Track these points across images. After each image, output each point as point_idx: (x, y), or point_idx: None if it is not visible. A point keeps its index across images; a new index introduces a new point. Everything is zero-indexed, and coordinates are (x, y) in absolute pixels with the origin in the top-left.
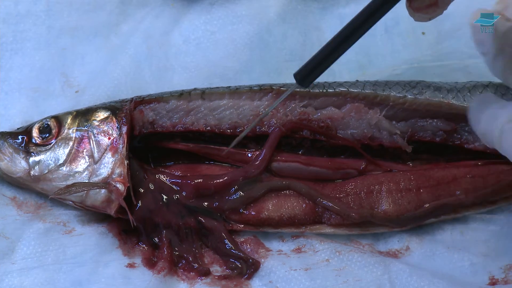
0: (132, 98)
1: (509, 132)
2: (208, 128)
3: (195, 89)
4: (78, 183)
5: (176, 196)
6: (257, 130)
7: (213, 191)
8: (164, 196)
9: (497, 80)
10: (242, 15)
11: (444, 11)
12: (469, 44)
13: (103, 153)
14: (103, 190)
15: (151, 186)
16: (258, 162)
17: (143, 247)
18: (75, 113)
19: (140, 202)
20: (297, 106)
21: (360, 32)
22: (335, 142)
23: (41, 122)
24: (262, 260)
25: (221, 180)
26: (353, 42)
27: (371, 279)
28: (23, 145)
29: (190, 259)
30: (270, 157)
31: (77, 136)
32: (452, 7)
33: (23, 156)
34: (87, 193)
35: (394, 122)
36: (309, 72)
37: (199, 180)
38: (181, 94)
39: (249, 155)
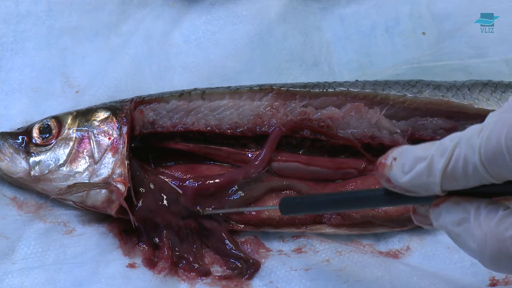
0: (133, 98)
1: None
2: (209, 128)
3: (195, 89)
4: (79, 183)
5: (176, 197)
6: (257, 130)
7: (213, 191)
8: (164, 196)
9: (496, 79)
10: (242, 15)
11: (445, 11)
12: (469, 44)
13: (104, 153)
14: (103, 190)
15: (152, 186)
16: (258, 162)
17: (144, 247)
18: (75, 113)
19: (140, 202)
20: (297, 106)
21: (354, 207)
22: (336, 141)
23: (41, 122)
24: (263, 260)
25: (221, 180)
26: (344, 209)
27: (372, 279)
28: (23, 145)
29: (191, 259)
30: (270, 157)
31: (78, 136)
32: (452, 7)
33: (23, 156)
34: (87, 193)
35: (394, 121)
36: (294, 206)
37: (199, 181)
38: (182, 94)
39: (249, 155)
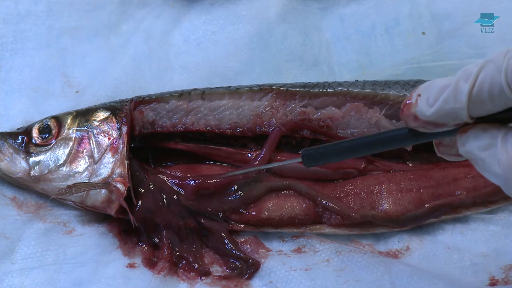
0: (132, 98)
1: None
2: (208, 128)
3: (195, 89)
4: (79, 183)
5: (176, 197)
6: (257, 130)
7: (213, 190)
8: (164, 196)
9: None
10: (242, 15)
11: (444, 11)
12: (469, 44)
13: (103, 153)
14: (103, 190)
15: (151, 186)
16: (258, 162)
17: (143, 247)
18: (75, 113)
19: (140, 202)
20: (297, 106)
21: (378, 149)
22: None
23: (41, 123)
24: (262, 260)
25: (221, 179)
26: (369, 152)
27: (372, 279)
28: (23, 145)
29: (190, 259)
30: (270, 157)
31: (77, 136)
32: (452, 7)
33: (23, 156)
34: (87, 193)
35: (394, 121)
36: (317, 157)
37: (199, 180)
38: (181, 94)
39: (249, 155)
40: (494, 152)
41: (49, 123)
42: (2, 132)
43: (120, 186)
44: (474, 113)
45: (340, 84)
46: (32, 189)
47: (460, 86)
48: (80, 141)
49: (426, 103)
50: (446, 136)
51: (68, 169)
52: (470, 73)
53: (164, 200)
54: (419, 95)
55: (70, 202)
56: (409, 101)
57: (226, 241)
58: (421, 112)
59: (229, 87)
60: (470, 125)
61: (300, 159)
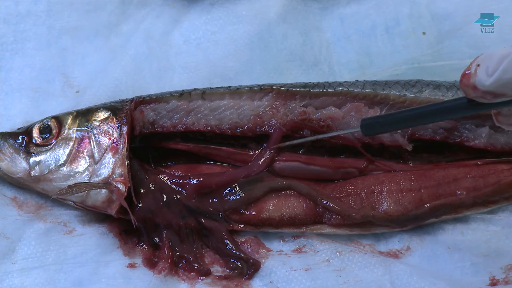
0: (133, 98)
1: None
2: (209, 128)
3: (195, 89)
4: (79, 183)
5: (176, 196)
6: (257, 130)
7: (214, 189)
8: (164, 196)
9: None
10: (242, 15)
11: (444, 11)
12: (470, 44)
13: (104, 153)
14: (103, 190)
15: (152, 186)
16: (260, 161)
17: (144, 247)
18: (75, 113)
19: (140, 202)
20: (298, 106)
21: (437, 118)
22: (336, 141)
23: (41, 123)
24: (263, 260)
25: (222, 178)
26: (427, 122)
27: (372, 279)
28: (23, 145)
29: (191, 259)
30: (273, 157)
31: (78, 136)
32: (452, 7)
33: (23, 156)
34: (87, 193)
35: None
36: (376, 126)
37: (200, 179)
38: (182, 94)
39: (251, 151)
40: None
41: (49, 123)
42: (3, 132)
43: (120, 186)
44: None
45: (341, 84)
46: (33, 189)
47: None
48: (80, 141)
49: (485, 73)
50: (505, 106)
51: (68, 169)
52: None
53: (165, 200)
54: (478, 65)
55: (71, 202)
56: (469, 71)
57: (227, 241)
58: (480, 82)
59: (230, 87)
60: None
61: (358, 129)
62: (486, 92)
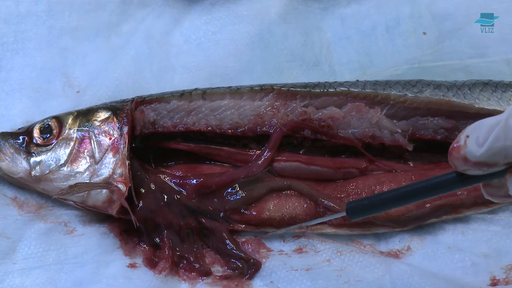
0: (133, 98)
1: None
2: (209, 128)
3: (196, 89)
4: (80, 183)
5: (177, 196)
6: (258, 130)
7: (214, 188)
8: (165, 196)
9: (497, 78)
10: (243, 15)
11: (445, 11)
12: (470, 44)
13: (104, 153)
14: (104, 191)
15: (152, 186)
16: (260, 161)
17: (144, 247)
18: (76, 113)
19: (141, 202)
20: (298, 106)
21: (425, 196)
22: (336, 141)
23: (42, 123)
24: (263, 260)
25: (222, 178)
26: (416, 201)
27: (372, 279)
28: (24, 145)
29: (191, 259)
30: (273, 157)
31: (78, 136)
32: (453, 7)
33: (24, 156)
34: (88, 193)
35: (395, 121)
36: (362, 209)
37: (200, 179)
38: (182, 94)
39: (252, 151)
40: None
41: (50, 123)
42: (3, 132)
43: (121, 186)
44: None
45: (341, 84)
46: (33, 189)
47: (510, 123)
48: (81, 141)
49: (475, 143)
50: (495, 177)
51: (69, 169)
52: None
53: (165, 200)
54: (468, 136)
55: (71, 202)
56: (457, 144)
57: (227, 241)
58: (471, 153)
59: (230, 87)
60: None
61: (344, 213)
62: (477, 163)
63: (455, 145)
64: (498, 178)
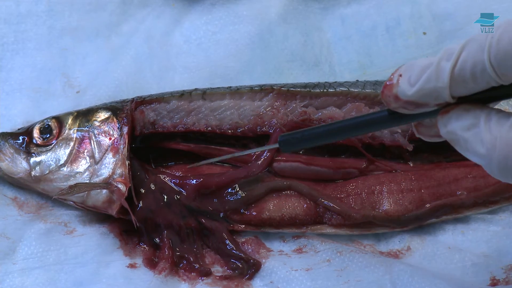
0: (133, 99)
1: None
2: (209, 128)
3: (196, 89)
4: (80, 183)
5: (177, 197)
6: (258, 130)
7: (214, 189)
8: (165, 196)
9: None
10: (243, 15)
11: (445, 11)
12: None
13: (104, 153)
14: (104, 191)
15: (152, 187)
16: (260, 161)
17: (144, 248)
18: (76, 113)
19: (141, 202)
20: (298, 106)
21: (357, 132)
22: (336, 141)
23: (42, 123)
24: (263, 260)
25: (222, 178)
26: (347, 136)
27: (372, 279)
28: (24, 145)
29: (191, 259)
30: (273, 157)
31: (78, 137)
32: (453, 7)
33: (24, 156)
34: (88, 193)
35: None
36: (294, 142)
37: (200, 179)
38: (182, 95)
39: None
40: (477, 132)
41: (50, 123)
42: (3, 133)
43: (121, 186)
44: (456, 93)
45: (341, 84)
46: (33, 189)
47: (442, 65)
48: (81, 141)
49: (407, 83)
50: (426, 117)
51: (69, 169)
52: (452, 52)
53: (165, 200)
54: (400, 75)
55: (71, 203)
56: (390, 82)
57: (227, 241)
58: (402, 92)
59: (230, 87)
60: (452, 106)
61: (277, 145)
62: (408, 102)
63: (387, 83)
64: (429, 119)
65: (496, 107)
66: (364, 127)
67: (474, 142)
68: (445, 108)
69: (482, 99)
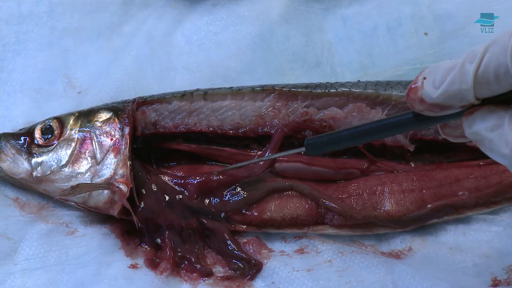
0: (135, 99)
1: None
2: (211, 128)
3: (197, 89)
4: (82, 184)
5: (178, 197)
6: (259, 130)
7: (216, 187)
8: (166, 196)
9: None
10: (244, 16)
11: (446, 12)
12: (472, 44)
13: (106, 154)
14: (106, 191)
15: (154, 187)
16: (262, 162)
17: (146, 248)
18: (77, 114)
19: (142, 203)
20: (299, 107)
21: (383, 135)
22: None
23: (43, 123)
24: (265, 261)
25: (224, 177)
26: (373, 139)
27: (374, 280)
28: (25, 146)
29: (193, 260)
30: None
31: (80, 137)
32: (454, 8)
33: (25, 157)
34: (90, 194)
35: None
36: (320, 145)
37: (202, 178)
38: (184, 95)
39: (253, 152)
40: (502, 132)
41: (51, 123)
42: (5, 133)
43: (122, 187)
44: (480, 94)
45: (342, 84)
46: (35, 190)
47: (466, 68)
48: (82, 141)
49: (432, 85)
50: (451, 119)
51: (70, 170)
52: (475, 54)
53: (167, 200)
54: (425, 78)
55: (73, 203)
56: (415, 85)
57: (229, 242)
58: (427, 95)
59: (231, 87)
60: (476, 107)
61: (303, 149)
62: (433, 104)
63: (412, 86)
64: (454, 120)
65: None
66: (389, 130)
67: (498, 143)
68: (469, 109)
69: (506, 100)
